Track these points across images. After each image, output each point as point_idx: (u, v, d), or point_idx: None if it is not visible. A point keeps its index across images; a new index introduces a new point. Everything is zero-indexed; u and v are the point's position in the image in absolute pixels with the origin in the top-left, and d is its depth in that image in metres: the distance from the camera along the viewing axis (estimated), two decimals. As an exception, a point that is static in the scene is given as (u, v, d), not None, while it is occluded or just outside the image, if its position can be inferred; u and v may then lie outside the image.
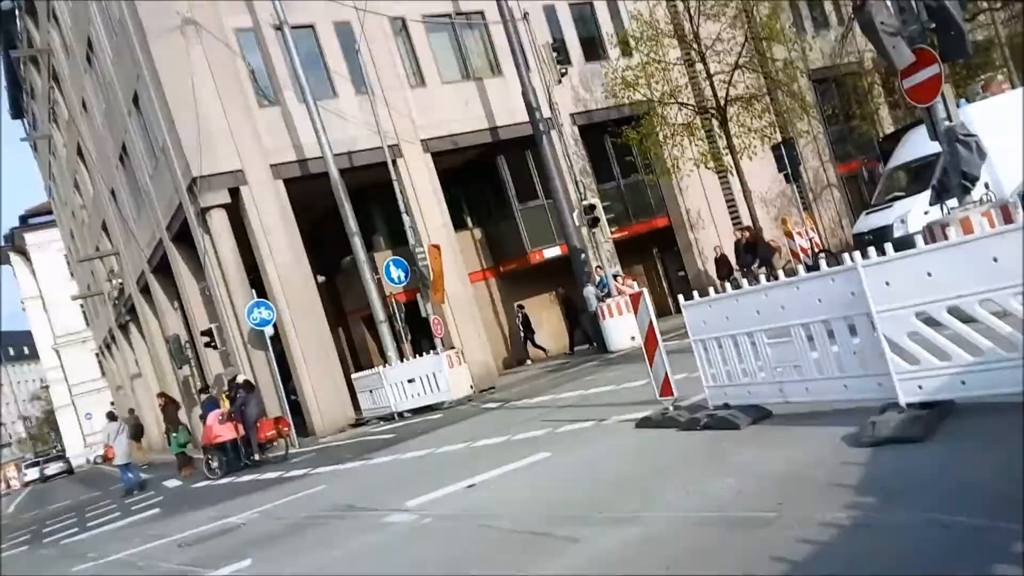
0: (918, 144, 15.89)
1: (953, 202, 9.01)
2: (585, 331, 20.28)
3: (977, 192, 9.89)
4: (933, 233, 8.72)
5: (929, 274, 5.16)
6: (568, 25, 24.48)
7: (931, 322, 5.26)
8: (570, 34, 24.42)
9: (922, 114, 9.13)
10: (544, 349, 23.61)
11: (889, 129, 30.80)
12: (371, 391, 18.55)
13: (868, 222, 15.89)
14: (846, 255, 5.83)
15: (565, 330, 23.33)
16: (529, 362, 22.95)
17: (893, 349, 5.58)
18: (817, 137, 28.14)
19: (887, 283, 5.42)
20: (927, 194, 14.65)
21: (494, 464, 8.11)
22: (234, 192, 18.66)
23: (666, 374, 7.87)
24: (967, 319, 5.04)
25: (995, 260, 4.69)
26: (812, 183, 28.13)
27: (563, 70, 19.78)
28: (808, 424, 6.49)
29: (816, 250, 20.45)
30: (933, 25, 8.71)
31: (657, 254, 26.61)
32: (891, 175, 16.57)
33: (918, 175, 15.63)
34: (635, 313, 8.17)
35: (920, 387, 5.42)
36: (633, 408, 8.99)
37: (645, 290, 8.32)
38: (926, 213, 14.49)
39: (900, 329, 5.45)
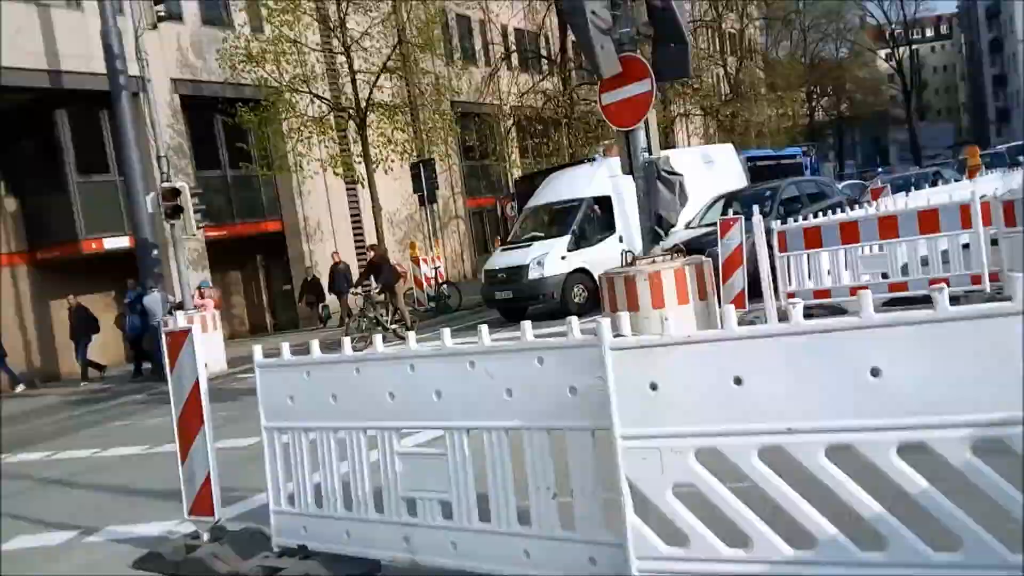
0: (561, 187, 14.88)
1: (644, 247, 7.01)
2: (141, 351, 15.36)
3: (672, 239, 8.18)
4: (612, 283, 6.61)
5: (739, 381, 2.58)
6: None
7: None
8: (188, -14, 19.68)
9: (618, 140, 7.01)
10: (100, 366, 17.86)
11: (517, 172, 31.31)
12: None
13: (502, 259, 14.26)
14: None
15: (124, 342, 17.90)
16: (84, 384, 16.81)
17: (639, 508, 2.93)
18: (452, 167, 27.01)
19: (652, 384, 2.76)
20: (566, 238, 13.49)
21: None
22: None
23: (207, 476, 4.36)
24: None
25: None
26: (441, 212, 26.83)
27: (161, 12, 15.03)
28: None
29: (440, 280, 18.56)
30: (651, 33, 6.63)
31: (262, 262, 22.64)
32: (530, 215, 15.25)
33: (558, 217, 14.46)
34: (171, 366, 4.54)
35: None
36: (147, 513, 5.29)
37: (196, 327, 4.68)
38: (563, 258, 13.29)
39: (662, 478, 2.79)
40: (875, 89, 70.37)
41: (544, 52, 28.00)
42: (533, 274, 13.35)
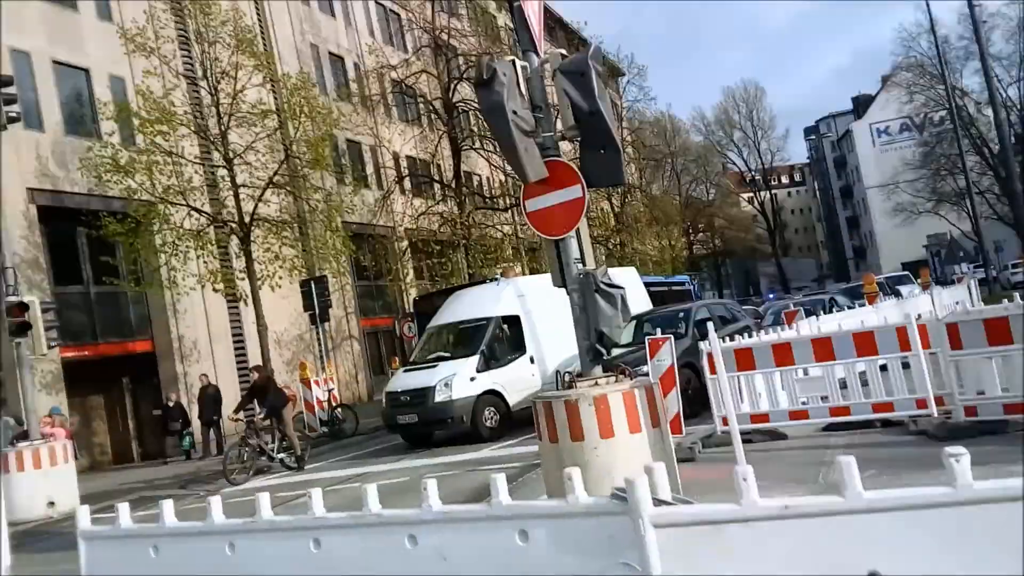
0: (465, 306, 14.13)
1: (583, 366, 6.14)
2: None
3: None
4: (549, 409, 5.68)
5: None
6: (47, 84, 18.44)
7: None
8: (48, 94, 18.37)
9: (547, 251, 6.28)
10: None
11: (414, 293, 30.46)
12: None
13: (405, 381, 13.12)
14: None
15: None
16: None
17: None
18: (345, 287, 25.87)
19: None
20: (475, 358, 12.58)
21: None
22: None
23: None
24: None
25: None
26: (334, 332, 25.40)
27: (12, 114, 13.58)
28: None
29: (333, 403, 17.03)
30: (579, 138, 6.08)
31: (128, 385, 20.29)
32: (433, 334, 14.28)
33: (464, 337, 13.57)
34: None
35: None
36: None
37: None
38: (472, 379, 12.37)
39: None
40: (746, 226, 75.50)
41: (437, 177, 27.91)
42: (440, 396, 12.26)
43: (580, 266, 6.11)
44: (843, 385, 8.20)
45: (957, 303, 17.14)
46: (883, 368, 7.99)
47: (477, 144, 27.30)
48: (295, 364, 23.77)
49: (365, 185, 28.05)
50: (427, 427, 12.79)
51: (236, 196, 17.34)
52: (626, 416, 5.47)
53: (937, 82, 51.57)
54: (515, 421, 12.97)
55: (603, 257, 35.94)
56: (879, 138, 72.98)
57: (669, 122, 57.02)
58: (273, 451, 12.71)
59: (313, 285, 17.70)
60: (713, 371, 8.49)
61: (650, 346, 8.60)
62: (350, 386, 25.34)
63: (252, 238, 17.30)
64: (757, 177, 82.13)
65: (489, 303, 13.57)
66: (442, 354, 13.38)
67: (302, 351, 24.70)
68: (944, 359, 7.33)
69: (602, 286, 5.78)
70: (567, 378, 5.88)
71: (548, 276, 19.04)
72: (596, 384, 5.75)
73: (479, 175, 31.80)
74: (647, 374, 10.36)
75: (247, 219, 17.27)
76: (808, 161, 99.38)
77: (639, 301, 15.92)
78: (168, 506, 2.72)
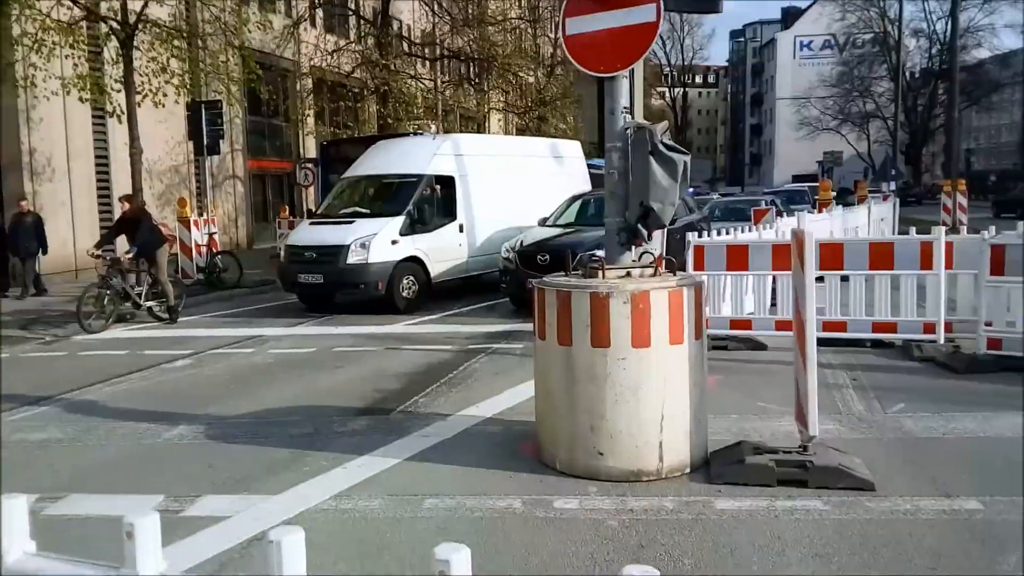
0: (393, 158, 12.23)
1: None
2: None
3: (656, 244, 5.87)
4: (565, 301, 4.22)
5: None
6: None
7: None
8: None
9: (587, 91, 4.58)
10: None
11: (312, 138, 27.62)
12: None
13: (313, 235, 11.26)
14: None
15: None
16: None
17: None
18: (235, 119, 22.83)
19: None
20: (400, 219, 10.85)
21: None
22: None
23: None
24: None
25: None
26: (215, 169, 22.60)
27: None
28: None
29: (213, 250, 14.85)
30: None
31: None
32: (348, 187, 12.32)
33: (388, 194, 11.77)
34: None
35: None
36: None
37: None
38: (394, 243, 10.67)
39: None
40: (660, 119, 74.64)
41: (357, 11, 24.62)
42: (354, 258, 10.52)
43: (628, 117, 4.50)
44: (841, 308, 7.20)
45: (882, 220, 16.93)
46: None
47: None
48: (167, 199, 21.02)
49: (272, 10, 24.44)
50: (333, 289, 11.10)
51: (121, -9, 14.08)
52: (668, 321, 4.08)
53: (872, 4, 51.25)
54: (434, 293, 11.51)
55: (524, 131, 34.07)
56: (800, 51, 72.97)
57: None
58: (140, 297, 10.72)
59: (203, 109, 15.01)
60: (700, 267, 7.27)
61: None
62: (228, 231, 22.85)
63: (136, 43, 14.25)
64: (674, 73, 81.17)
65: (422, 158, 11.69)
66: (359, 209, 11.51)
67: (176, 185, 21.86)
68: (980, 283, 6.35)
69: (660, 148, 4.21)
70: (590, 262, 4.36)
71: (489, 137, 17.56)
72: (628, 276, 4.29)
73: (399, 20, 28.52)
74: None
75: (132, 18, 14.14)
76: (727, 64, 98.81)
77: (581, 178, 14.47)
78: None
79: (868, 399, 5.60)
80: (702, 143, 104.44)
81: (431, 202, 11.35)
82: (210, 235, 14.76)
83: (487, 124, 31.87)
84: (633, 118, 4.55)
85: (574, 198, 12.14)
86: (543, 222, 11.43)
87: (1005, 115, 69.79)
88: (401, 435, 5.12)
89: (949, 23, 46.48)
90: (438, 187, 11.53)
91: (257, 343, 8.97)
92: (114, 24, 14.27)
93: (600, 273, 4.25)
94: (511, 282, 10.51)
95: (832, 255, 7.02)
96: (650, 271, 4.34)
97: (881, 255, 6.89)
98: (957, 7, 22.75)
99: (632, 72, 4.51)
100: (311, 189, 24.79)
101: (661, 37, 77.46)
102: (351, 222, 11.02)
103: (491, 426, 5.27)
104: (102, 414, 6.01)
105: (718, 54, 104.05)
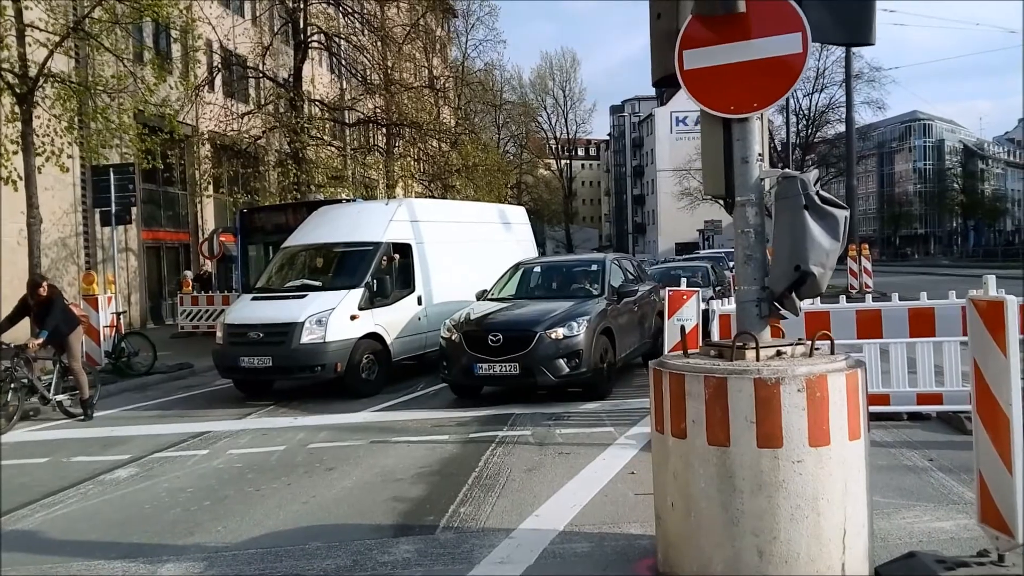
0: (343, 225, 11.25)
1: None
2: None
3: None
4: (716, 388, 3.46)
5: None
6: None
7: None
8: None
9: (706, 135, 3.91)
10: None
11: (209, 208, 25.88)
12: None
13: (257, 312, 9.96)
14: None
15: None
16: None
17: None
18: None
19: None
20: (359, 291, 9.82)
21: None
22: None
23: None
24: None
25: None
26: (106, 241, 20.61)
27: None
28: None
29: (120, 331, 13.07)
30: None
31: None
32: (290, 258, 11.16)
33: (341, 265, 10.71)
34: None
35: None
36: None
37: None
38: (353, 318, 9.58)
39: None
40: (553, 189, 76.80)
41: (270, 74, 23.48)
42: (309, 336, 9.32)
43: (764, 166, 3.85)
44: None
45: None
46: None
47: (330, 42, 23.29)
48: (57, 274, 18.90)
49: (169, 70, 22.91)
50: (282, 375, 9.81)
51: (20, 37, 12.41)
52: (847, 411, 3.37)
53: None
54: (395, 374, 10.42)
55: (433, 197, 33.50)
56: (676, 126, 76.81)
57: (500, 72, 55.40)
58: (49, 389, 9.09)
59: (112, 174, 13.44)
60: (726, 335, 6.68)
61: (671, 301, 6.52)
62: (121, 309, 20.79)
63: (38, 97, 12.57)
64: (560, 145, 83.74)
65: (377, 225, 10.71)
66: (309, 282, 10.36)
67: (63, 260, 19.70)
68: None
69: (817, 200, 3.56)
70: (736, 341, 3.61)
71: (443, 202, 16.66)
72: (779, 355, 3.58)
73: (310, 84, 27.58)
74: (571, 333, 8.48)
75: (32, 73, 12.50)
76: (608, 137, 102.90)
77: (528, 245, 13.88)
78: None
79: (965, 482, 5.07)
80: (587, 213, 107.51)
81: (390, 272, 10.36)
82: (116, 314, 13.00)
83: (394, 192, 31.04)
84: (761, 160, 3.93)
85: (516, 267, 11.00)
86: (483, 295, 10.26)
87: (862, 184, 75.90)
88: (469, 564, 4.11)
89: (817, 99, 50.68)
90: (396, 256, 10.57)
91: (208, 442, 7.60)
92: (11, 77, 12.60)
93: (755, 353, 3.52)
94: (455, 368, 8.83)
95: (870, 322, 6.63)
96: (801, 348, 3.65)
97: (922, 320, 6.55)
98: (851, 82, 24.21)
99: (761, 116, 3.90)
100: (209, 263, 23.01)
101: (547, 111, 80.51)
102: (302, 296, 9.84)
103: (575, 543, 4.34)
104: (47, 552, 4.63)
105: (600, 128, 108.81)
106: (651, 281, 12.09)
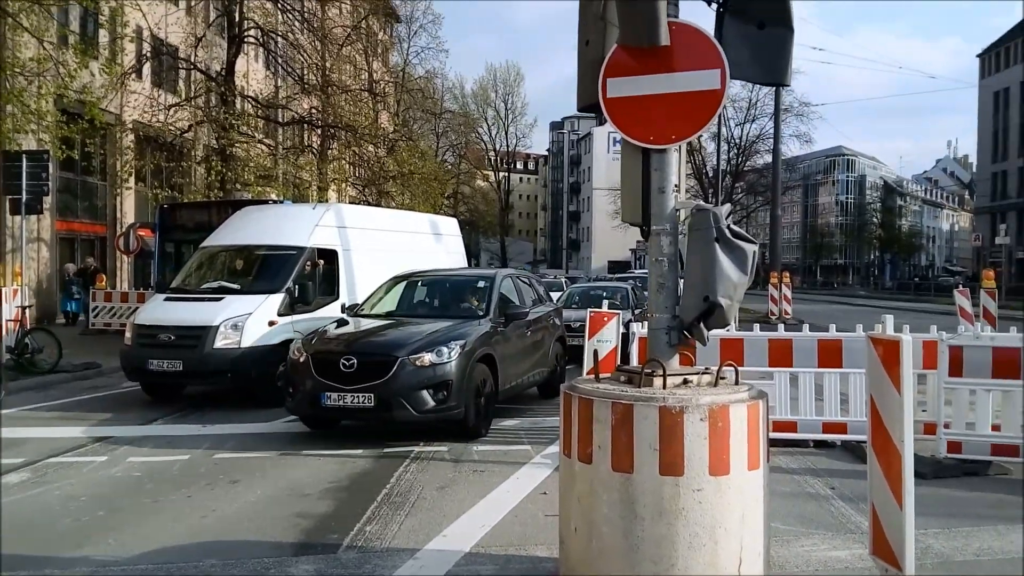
0: (267, 227, 11.02)
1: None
2: None
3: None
4: (623, 415, 3.47)
5: None
6: None
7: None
8: None
9: (626, 163, 3.95)
10: None
11: (129, 201, 24.91)
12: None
13: (170, 313, 9.60)
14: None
15: None
16: None
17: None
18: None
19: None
20: (279, 296, 9.58)
21: None
22: None
23: None
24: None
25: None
26: (16, 231, 19.60)
27: None
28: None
29: (24, 326, 12.41)
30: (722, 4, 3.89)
31: None
32: (208, 258, 10.82)
33: (262, 268, 10.42)
34: None
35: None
36: None
37: None
38: (272, 324, 9.42)
39: None
40: (490, 201, 76.92)
41: (200, 66, 22.81)
42: (223, 341, 9.04)
43: (679, 197, 3.91)
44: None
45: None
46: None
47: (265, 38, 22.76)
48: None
49: (93, 56, 22.04)
50: (192, 379, 9.47)
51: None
52: (747, 441, 3.43)
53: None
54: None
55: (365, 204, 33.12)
56: (613, 146, 78.01)
57: (442, 81, 55.23)
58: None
59: (25, 160, 12.81)
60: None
61: (591, 322, 6.56)
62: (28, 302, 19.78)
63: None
64: (499, 157, 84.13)
65: (302, 229, 10.49)
66: (227, 284, 10.05)
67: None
68: (937, 385, 6.33)
69: (727, 234, 3.63)
70: (645, 368, 3.63)
71: (373, 209, 16.43)
72: (685, 383, 3.63)
73: (243, 80, 26.93)
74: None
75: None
76: (547, 153, 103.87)
77: (459, 256, 13.83)
78: None
79: (864, 511, 5.23)
80: (523, 226, 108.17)
81: (313, 278, 10.15)
82: (21, 308, 12.35)
83: (327, 195, 30.53)
84: (678, 197, 3.98)
85: (397, 279, 9.65)
86: (353, 310, 9.08)
87: (787, 214, 78.54)
88: (370, 584, 4.01)
89: (749, 128, 52.23)
90: (321, 262, 10.37)
91: (108, 448, 7.26)
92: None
93: (662, 380, 3.55)
94: (300, 396, 7.41)
95: (780, 351, 6.81)
96: (707, 378, 3.71)
97: (830, 352, 6.77)
98: (779, 117, 25.02)
99: (679, 149, 3.96)
100: (128, 257, 22.15)
101: (487, 122, 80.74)
102: (219, 299, 9.54)
103: (480, 564, 4.29)
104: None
105: (540, 143, 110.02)
106: (551, 301, 11.14)
